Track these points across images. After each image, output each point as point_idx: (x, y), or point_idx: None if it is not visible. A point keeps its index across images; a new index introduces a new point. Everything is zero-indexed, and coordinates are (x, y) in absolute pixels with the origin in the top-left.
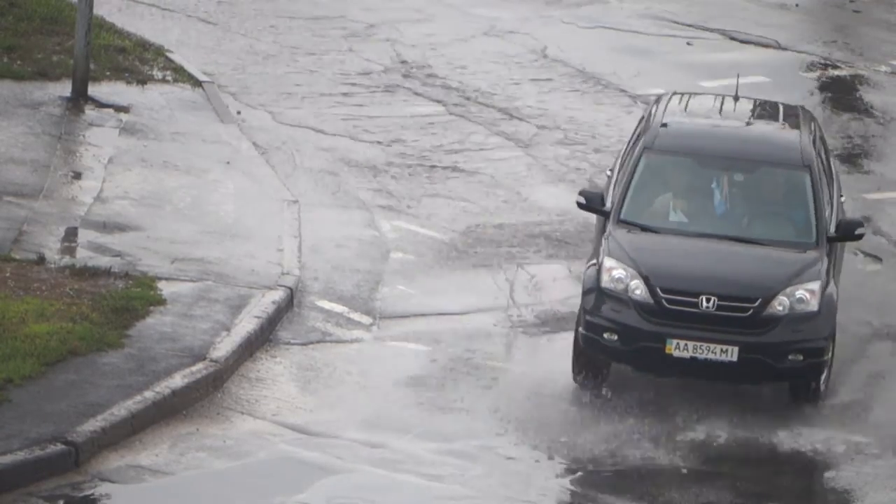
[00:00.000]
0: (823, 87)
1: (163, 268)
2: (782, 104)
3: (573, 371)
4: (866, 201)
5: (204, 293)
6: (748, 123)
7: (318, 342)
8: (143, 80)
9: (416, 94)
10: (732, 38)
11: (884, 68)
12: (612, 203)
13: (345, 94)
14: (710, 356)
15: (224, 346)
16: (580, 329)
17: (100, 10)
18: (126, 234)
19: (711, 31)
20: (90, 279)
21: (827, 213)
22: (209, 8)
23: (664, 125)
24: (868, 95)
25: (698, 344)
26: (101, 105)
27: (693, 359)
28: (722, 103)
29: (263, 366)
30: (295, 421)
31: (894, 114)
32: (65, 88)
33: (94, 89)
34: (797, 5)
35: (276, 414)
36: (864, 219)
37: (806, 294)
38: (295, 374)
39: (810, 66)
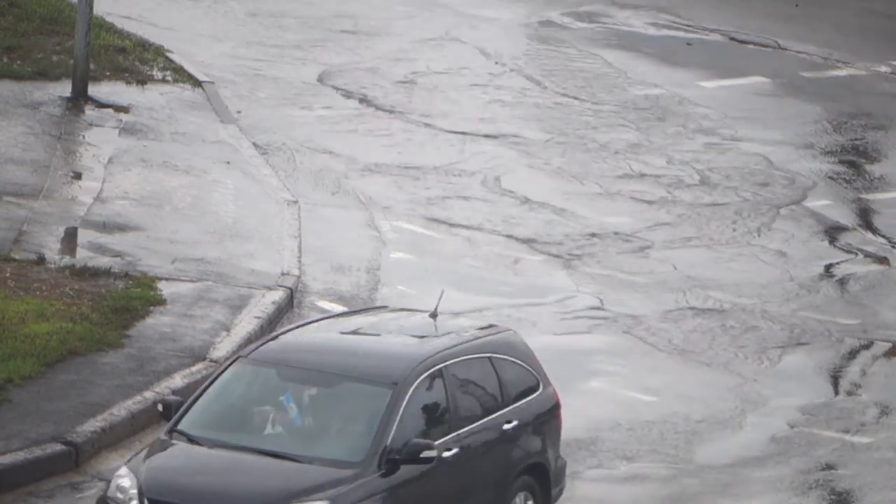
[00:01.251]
0: (823, 88)
1: (163, 268)
2: (491, 329)
3: None
4: (866, 201)
5: (204, 293)
6: (374, 334)
7: None
8: (143, 80)
9: (415, 94)
10: (732, 39)
11: (884, 68)
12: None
13: (344, 96)
14: None
15: (224, 347)
16: None
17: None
18: (126, 234)
19: (711, 31)
20: (90, 279)
21: (442, 434)
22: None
23: (273, 338)
24: (868, 95)
25: None
26: (101, 105)
27: None
28: (403, 321)
29: None
30: None
31: (894, 114)
32: (65, 88)
33: (94, 89)
34: (797, 5)
35: None
36: (862, 222)
37: None
38: None
39: (810, 67)
